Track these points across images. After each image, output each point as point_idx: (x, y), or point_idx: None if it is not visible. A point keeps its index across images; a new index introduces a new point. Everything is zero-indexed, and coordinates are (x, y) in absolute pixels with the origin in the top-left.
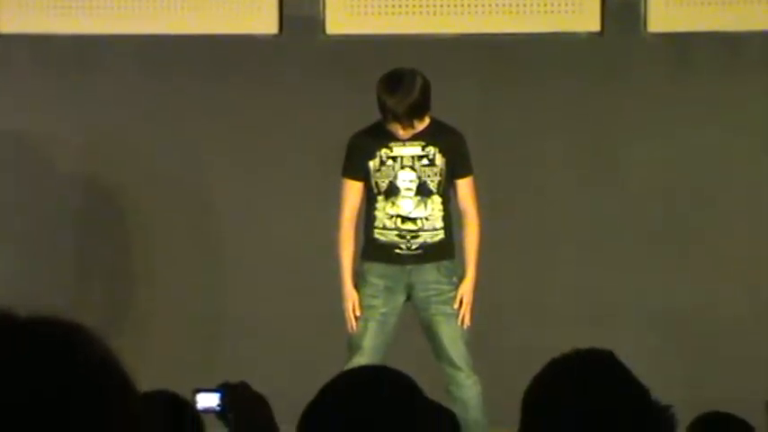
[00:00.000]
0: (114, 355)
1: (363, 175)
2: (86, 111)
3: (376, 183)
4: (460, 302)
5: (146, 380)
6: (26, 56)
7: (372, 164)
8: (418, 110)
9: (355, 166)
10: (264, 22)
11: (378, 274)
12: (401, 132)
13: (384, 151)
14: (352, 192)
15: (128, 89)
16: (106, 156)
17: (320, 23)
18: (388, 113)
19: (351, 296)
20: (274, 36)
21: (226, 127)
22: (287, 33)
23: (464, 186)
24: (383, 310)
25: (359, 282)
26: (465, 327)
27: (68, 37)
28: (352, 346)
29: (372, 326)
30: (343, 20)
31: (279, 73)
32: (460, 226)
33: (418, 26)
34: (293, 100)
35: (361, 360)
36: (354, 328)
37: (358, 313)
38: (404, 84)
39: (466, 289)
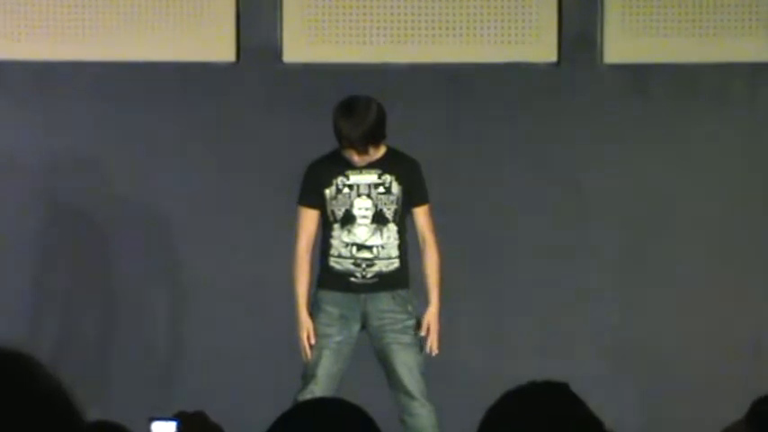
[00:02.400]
0: (62, 385)
1: (319, 203)
2: (44, 136)
3: (332, 211)
4: (427, 330)
5: (101, 409)
6: None
7: (328, 192)
8: (373, 136)
9: (311, 194)
10: (222, 49)
11: (333, 302)
12: (356, 159)
13: (340, 179)
14: (308, 220)
15: (86, 115)
16: (63, 180)
17: (278, 52)
18: (343, 139)
19: (305, 324)
20: (232, 64)
21: (184, 153)
22: (245, 61)
23: (421, 214)
24: (338, 338)
25: (314, 310)
26: (434, 353)
27: (26, 63)
28: (307, 374)
29: (327, 354)
30: (301, 48)
31: (236, 100)
32: (416, 255)
33: (376, 55)
34: (251, 127)
35: (315, 388)
36: (309, 356)
37: (313, 341)
38: (359, 110)
39: (431, 316)
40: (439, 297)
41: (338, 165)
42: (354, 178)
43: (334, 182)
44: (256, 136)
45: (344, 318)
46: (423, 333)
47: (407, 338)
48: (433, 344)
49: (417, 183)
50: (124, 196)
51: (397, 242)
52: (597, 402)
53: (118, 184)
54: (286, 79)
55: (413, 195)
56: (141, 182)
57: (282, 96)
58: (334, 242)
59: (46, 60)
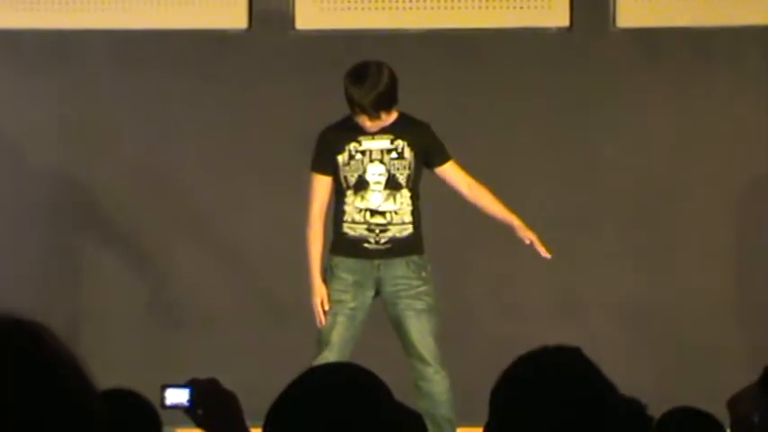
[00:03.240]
0: (74, 353)
1: (332, 170)
2: (58, 105)
3: (345, 177)
4: (530, 240)
5: (112, 377)
6: None
7: (341, 158)
8: (385, 102)
9: (324, 160)
10: (234, 17)
11: (346, 268)
12: (368, 125)
13: (353, 145)
14: (321, 186)
15: (98, 84)
16: (78, 150)
17: (290, 18)
18: (355, 105)
19: (319, 291)
20: (244, 31)
21: (197, 121)
22: (257, 28)
23: (449, 170)
24: (352, 304)
25: (327, 276)
26: (544, 256)
27: (38, 32)
28: (321, 340)
29: (341, 320)
30: (313, 15)
31: (249, 68)
32: (430, 221)
33: (387, 21)
34: (263, 94)
35: (329, 355)
36: (323, 322)
37: (327, 308)
38: (370, 76)
39: (523, 230)
40: (512, 213)
41: (350, 131)
42: (367, 144)
43: (347, 148)
44: (269, 103)
45: (358, 284)
46: (527, 242)
47: (421, 305)
48: (541, 248)
49: (433, 144)
50: (139, 164)
51: (410, 208)
52: (612, 368)
53: (133, 151)
54: (298, 46)
55: (433, 157)
56: (156, 149)
57: (295, 63)
58: (348, 208)
59: (59, 29)
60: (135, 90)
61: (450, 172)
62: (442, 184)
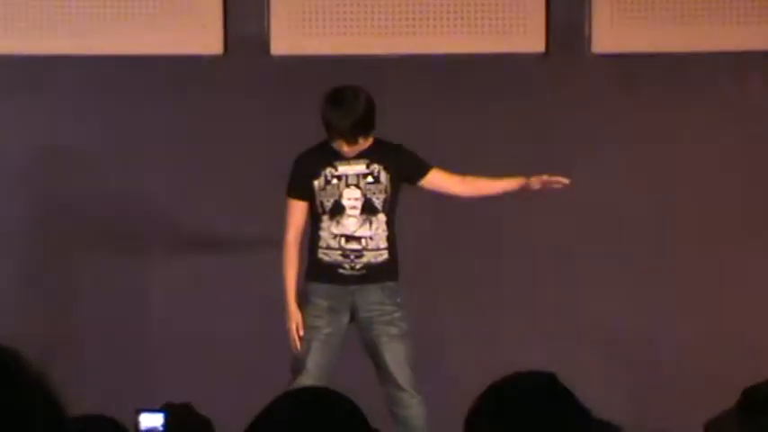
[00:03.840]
0: (46, 380)
1: (308, 195)
2: (30, 131)
3: (321, 202)
4: (543, 181)
5: (86, 402)
6: None
7: (317, 183)
8: (363, 127)
9: (299, 185)
10: (210, 42)
11: (321, 294)
12: (346, 149)
13: (329, 170)
14: (297, 211)
15: (71, 110)
16: (52, 176)
17: (265, 44)
18: (332, 131)
19: (294, 317)
20: (220, 56)
21: (172, 148)
22: (232, 54)
23: (435, 178)
24: (327, 330)
25: (302, 302)
26: (565, 181)
27: (10, 58)
28: (296, 367)
29: (316, 346)
30: (288, 40)
31: (224, 93)
32: (405, 247)
33: (363, 47)
34: (239, 120)
35: (305, 381)
36: (298, 348)
37: (302, 333)
38: (347, 101)
39: (536, 179)
40: (515, 177)
41: (326, 156)
42: (343, 169)
43: (323, 173)
44: (244, 128)
45: (333, 310)
46: (539, 186)
47: (396, 330)
48: (558, 178)
49: (409, 161)
50: (112, 190)
51: (385, 233)
52: (586, 393)
53: (105, 177)
54: (274, 71)
55: (414, 173)
56: (129, 175)
57: (270, 89)
58: (323, 234)
59: (31, 54)
60: (108, 116)
61: (436, 179)
62: (415, 208)
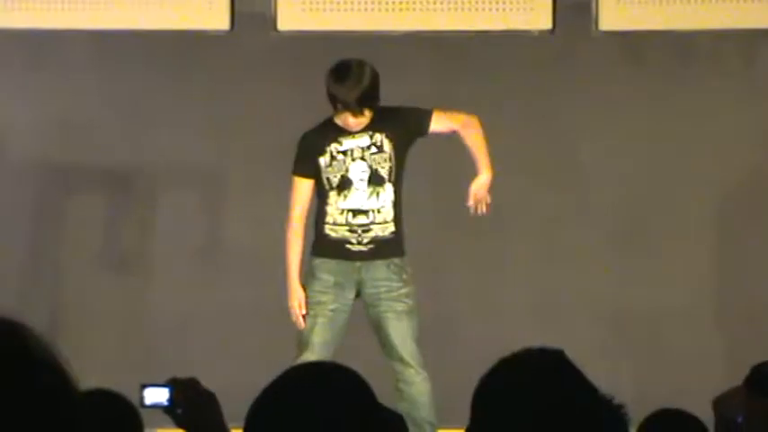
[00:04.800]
0: (55, 352)
1: (313, 173)
2: (38, 106)
3: (327, 178)
4: (475, 198)
5: (91, 377)
6: None
7: (323, 159)
8: (368, 98)
9: (305, 163)
10: (216, 18)
11: (327, 270)
12: (351, 122)
13: (333, 146)
14: (302, 189)
15: (80, 85)
16: (58, 151)
17: (271, 20)
18: (338, 103)
19: (296, 293)
20: (226, 32)
21: (178, 123)
22: (238, 29)
23: (439, 120)
24: (332, 306)
25: (308, 278)
26: (480, 212)
27: (18, 32)
28: (301, 342)
29: (322, 321)
30: (295, 16)
31: (230, 69)
32: (410, 221)
33: (369, 23)
34: (245, 96)
35: (310, 357)
36: (302, 325)
37: (304, 311)
38: (353, 73)
39: (478, 185)
40: (487, 162)
41: (330, 132)
42: (347, 143)
43: (328, 149)
44: (250, 104)
45: (339, 285)
46: (470, 203)
47: (402, 306)
48: (478, 206)
49: (412, 116)
50: (118, 165)
51: (392, 205)
52: (593, 370)
53: (112, 152)
54: (280, 47)
55: (418, 124)
56: (136, 150)
57: (276, 65)
58: (330, 209)
59: (39, 29)
60: (115, 91)
61: (439, 120)
62: (421, 186)
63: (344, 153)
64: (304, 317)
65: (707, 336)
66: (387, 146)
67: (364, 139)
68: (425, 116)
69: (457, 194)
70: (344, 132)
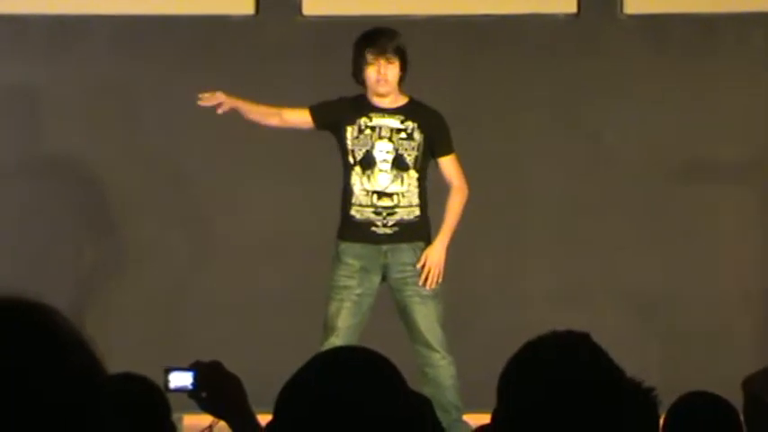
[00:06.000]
0: (84, 335)
1: (324, 124)
2: (65, 90)
3: (352, 151)
4: (423, 264)
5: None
6: (2, 36)
7: (350, 130)
8: (402, 54)
9: (327, 110)
10: (241, 2)
11: (353, 254)
12: (381, 80)
13: (363, 120)
14: (299, 115)
15: (107, 70)
16: (80, 138)
17: (297, 4)
18: (376, 47)
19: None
20: (251, 17)
21: (202, 109)
22: (263, 14)
23: (448, 164)
24: (358, 290)
25: (334, 261)
26: (428, 287)
27: (42, 17)
28: (327, 326)
29: (348, 306)
30: (320, 1)
31: (255, 54)
32: (438, 206)
33: (394, 7)
34: (270, 80)
35: (336, 341)
36: (204, 101)
37: (215, 102)
38: (388, 30)
39: (431, 250)
40: (448, 233)
41: (363, 106)
42: (377, 120)
43: (358, 121)
44: (276, 89)
45: (365, 270)
46: (419, 266)
47: (428, 291)
48: (424, 278)
49: (441, 133)
50: (142, 152)
51: (417, 190)
52: (619, 355)
53: (135, 139)
54: (305, 32)
55: (437, 146)
56: (159, 137)
57: (301, 49)
58: (355, 189)
59: (66, 14)
60: (139, 76)
61: (447, 165)
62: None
63: (372, 129)
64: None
65: (734, 319)
66: (417, 135)
67: (395, 121)
68: (447, 148)
69: (481, 176)
70: (376, 109)
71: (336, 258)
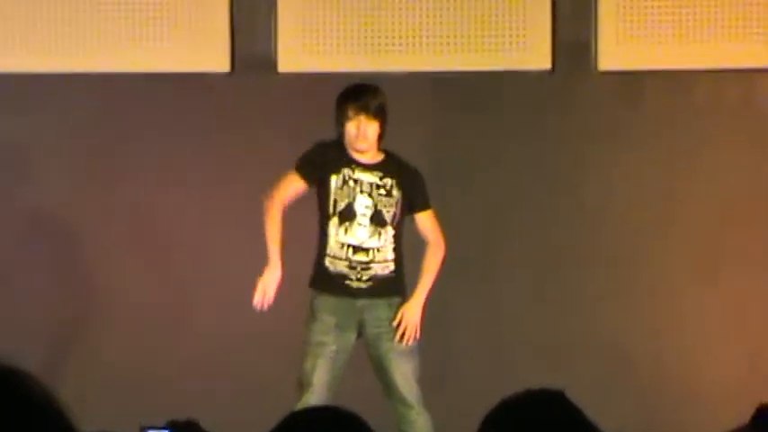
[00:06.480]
0: (55, 400)
1: (313, 180)
2: (40, 147)
3: (334, 200)
4: (399, 322)
5: (92, 418)
6: None
7: (335, 179)
8: (383, 112)
9: (314, 167)
10: (217, 60)
11: (328, 310)
12: (360, 143)
13: (347, 171)
14: (294, 186)
15: (82, 126)
16: (57, 190)
17: (272, 61)
18: (357, 105)
19: (275, 272)
20: (227, 74)
21: (180, 163)
22: (239, 72)
23: (425, 219)
24: (333, 347)
25: (309, 318)
26: (404, 344)
27: (18, 75)
28: (303, 383)
29: (323, 362)
30: (296, 58)
31: (231, 111)
32: (414, 261)
33: (370, 64)
34: (246, 138)
35: (311, 398)
36: (259, 304)
37: (271, 295)
38: (371, 87)
39: (407, 308)
40: (424, 290)
41: (345, 156)
42: (359, 174)
43: (343, 171)
44: (251, 146)
45: (340, 326)
46: (395, 323)
47: (403, 347)
48: (404, 335)
49: (418, 189)
50: (119, 206)
51: (393, 245)
52: (595, 411)
53: (112, 195)
54: (281, 89)
55: (415, 202)
56: (137, 192)
57: (278, 106)
58: (330, 240)
59: (42, 72)
60: (115, 133)
61: (424, 221)
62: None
63: (355, 182)
64: (264, 297)
65: (710, 375)
66: (395, 192)
67: (374, 177)
68: (423, 204)
69: (458, 231)
70: (358, 163)
71: (311, 314)
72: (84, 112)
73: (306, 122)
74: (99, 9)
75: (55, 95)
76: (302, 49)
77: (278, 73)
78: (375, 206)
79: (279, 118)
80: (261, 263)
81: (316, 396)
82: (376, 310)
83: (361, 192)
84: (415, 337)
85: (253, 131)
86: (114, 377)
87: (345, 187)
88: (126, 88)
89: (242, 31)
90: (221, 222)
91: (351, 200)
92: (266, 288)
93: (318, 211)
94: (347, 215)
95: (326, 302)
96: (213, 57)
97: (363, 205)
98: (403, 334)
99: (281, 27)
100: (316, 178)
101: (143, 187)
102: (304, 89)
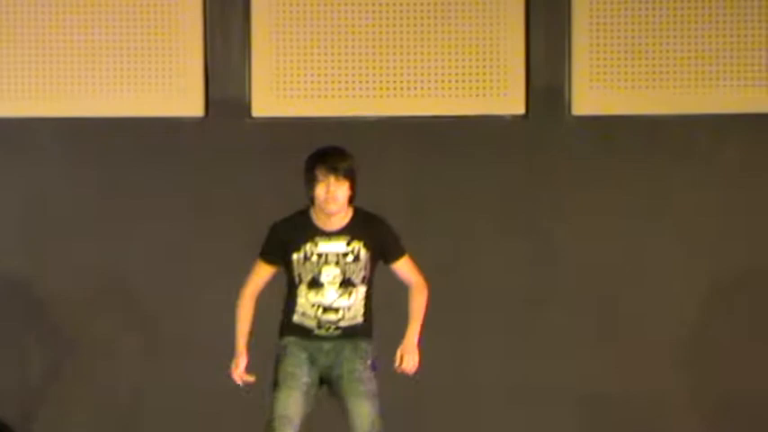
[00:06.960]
0: None
1: (280, 262)
2: (12, 192)
3: (299, 274)
4: (400, 360)
5: None
6: None
7: (296, 256)
8: (352, 173)
9: (275, 252)
10: (191, 105)
11: (299, 346)
12: (329, 208)
13: (309, 246)
14: (263, 273)
15: (54, 172)
16: (33, 234)
17: (246, 106)
18: (326, 167)
19: (242, 363)
20: (201, 119)
21: (153, 208)
22: (213, 116)
23: (403, 266)
24: (305, 379)
25: (280, 355)
26: (410, 371)
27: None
28: (274, 415)
29: (295, 395)
30: (269, 103)
31: (205, 155)
32: (385, 306)
33: (344, 109)
34: (219, 182)
35: (281, 429)
36: (238, 382)
37: (245, 378)
38: (340, 150)
39: (404, 350)
40: (416, 331)
41: (307, 229)
42: (323, 246)
43: (303, 248)
44: (225, 191)
45: (311, 361)
46: (396, 364)
47: (365, 388)
48: (406, 369)
49: (389, 243)
50: (89, 254)
51: (363, 302)
52: None
53: (83, 241)
54: (255, 134)
55: (388, 254)
56: (107, 239)
57: (251, 151)
58: (300, 300)
59: (13, 117)
60: (88, 178)
61: (402, 268)
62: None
63: (319, 256)
64: (244, 382)
65: (684, 420)
66: (363, 255)
67: (341, 245)
68: (397, 253)
69: (432, 276)
70: (321, 233)
71: (282, 352)
72: (54, 158)
73: (279, 166)
74: (73, 54)
75: (27, 139)
76: (276, 94)
77: (252, 117)
78: (343, 273)
79: (253, 162)
80: (232, 305)
81: (286, 427)
82: (342, 351)
83: (327, 263)
84: (415, 362)
85: (227, 175)
86: (88, 426)
87: (308, 263)
88: (97, 133)
89: (216, 76)
90: (194, 266)
91: (316, 272)
92: (240, 375)
93: (287, 279)
94: (314, 284)
95: (297, 342)
96: (187, 101)
97: (331, 275)
98: (406, 361)
99: (254, 72)
100: (280, 259)
101: (112, 235)
102: (278, 134)
